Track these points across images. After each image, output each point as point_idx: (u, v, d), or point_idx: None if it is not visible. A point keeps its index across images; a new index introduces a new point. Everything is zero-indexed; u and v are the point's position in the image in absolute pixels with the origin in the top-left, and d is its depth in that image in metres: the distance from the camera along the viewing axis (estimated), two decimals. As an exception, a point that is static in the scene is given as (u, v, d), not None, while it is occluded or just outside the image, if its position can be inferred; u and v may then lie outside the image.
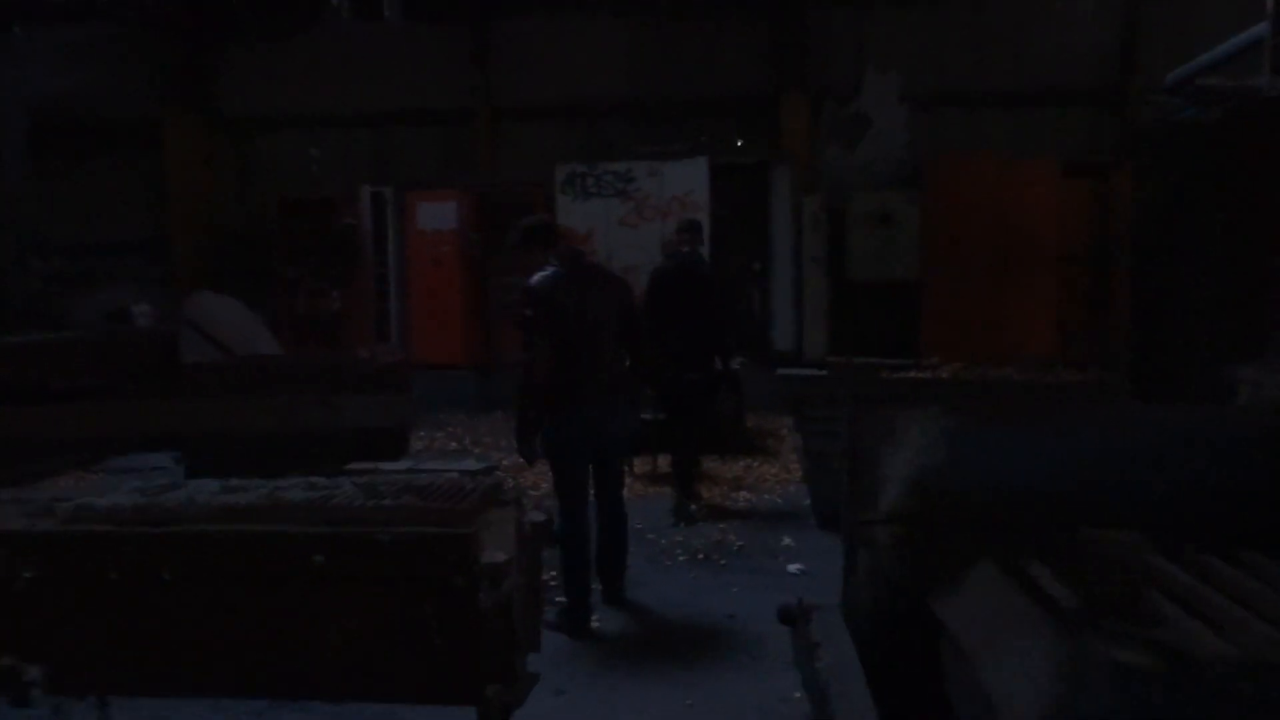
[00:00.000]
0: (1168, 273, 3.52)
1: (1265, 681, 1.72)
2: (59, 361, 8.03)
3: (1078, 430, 2.74)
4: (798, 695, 3.36)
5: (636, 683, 3.71)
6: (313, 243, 11.10)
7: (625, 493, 4.73)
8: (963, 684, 2.36)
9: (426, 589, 1.88)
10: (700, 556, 5.24)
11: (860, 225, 10.31)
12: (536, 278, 4.34)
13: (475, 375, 10.67)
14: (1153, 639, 1.83)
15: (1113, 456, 2.66)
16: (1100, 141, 11.48)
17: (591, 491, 4.50)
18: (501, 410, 10.01)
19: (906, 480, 2.76)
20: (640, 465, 7.11)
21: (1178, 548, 2.39)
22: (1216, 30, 7.56)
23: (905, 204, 10.16)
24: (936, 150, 11.16)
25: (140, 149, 12.62)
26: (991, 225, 9.76)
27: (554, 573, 4.37)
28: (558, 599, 4.34)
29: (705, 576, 4.95)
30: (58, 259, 12.37)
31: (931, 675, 2.65)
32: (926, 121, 11.26)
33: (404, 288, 10.89)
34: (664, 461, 7.09)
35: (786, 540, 5.48)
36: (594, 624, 4.33)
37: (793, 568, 5.02)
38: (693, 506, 6.18)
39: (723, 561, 5.17)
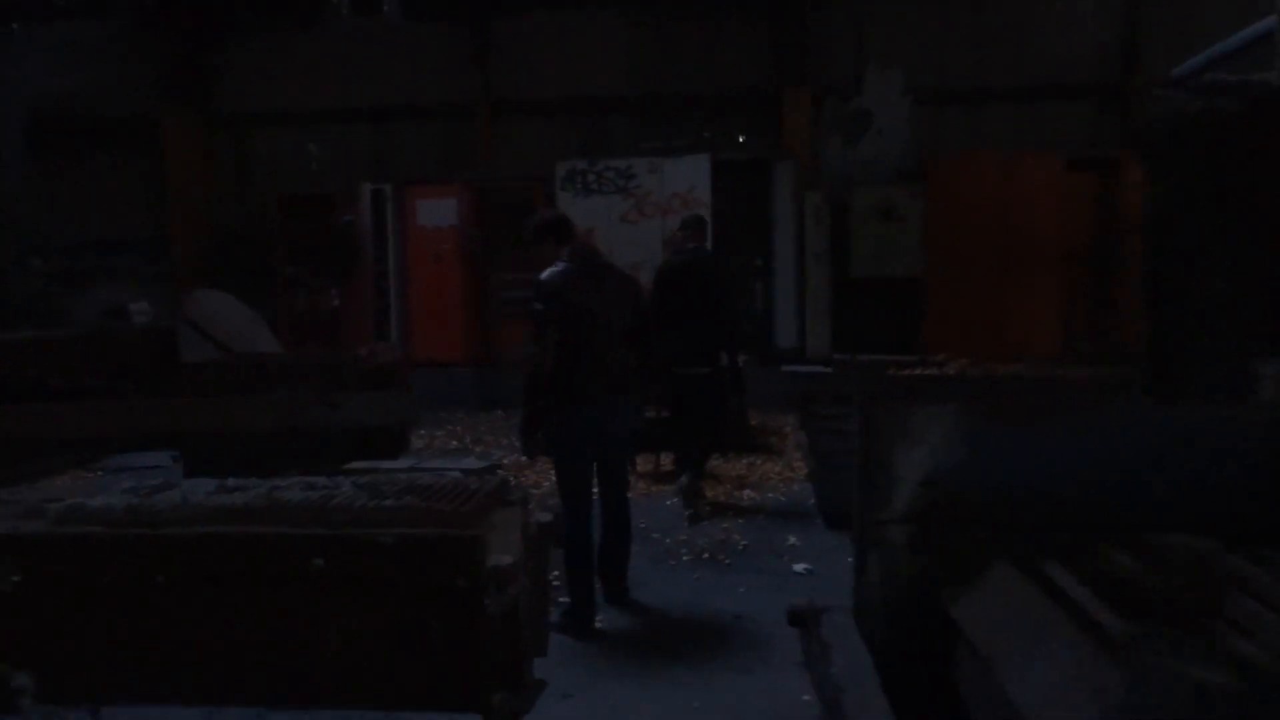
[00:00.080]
0: (1184, 267, 3.46)
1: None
2: (55, 359, 7.96)
3: (1097, 429, 2.68)
4: (807, 698, 3.30)
5: (643, 685, 3.65)
6: (312, 240, 11.05)
7: (628, 493, 4.67)
8: (981, 690, 2.29)
9: (430, 593, 1.81)
10: (705, 556, 5.18)
11: (862, 222, 10.28)
12: (548, 272, 4.31)
13: (475, 373, 10.62)
14: (1229, 654, 1.66)
15: (1134, 455, 2.59)
16: (1102, 137, 11.42)
17: (596, 491, 4.45)
18: (502, 408, 9.96)
19: (921, 479, 2.70)
20: (643, 464, 7.05)
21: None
22: (1218, 26, 7.51)
23: (908, 200, 10.13)
24: (938, 146, 11.13)
25: (139, 147, 12.56)
26: (994, 221, 9.73)
27: (556, 573, 4.30)
28: (560, 599, 4.28)
29: (710, 576, 4.89)
30: (57, 257, 12.34)
31: (946, 679, 2.59)
32: (928, 118, 11.22)
33: (404, 285, 10.83)
34: (667, 460, 7.04)
35: (792, 539, 5.42)
36: (597, 624, 4.27)
37: (799, 567, 4.96)
38: (706, 506, 6.14)
39: (728, 561, 5.11)
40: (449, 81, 12.18)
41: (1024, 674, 2.09)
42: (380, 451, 5.65)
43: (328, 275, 11.03)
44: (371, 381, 6.36)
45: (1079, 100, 11.73)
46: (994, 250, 9.71)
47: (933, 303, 9.78)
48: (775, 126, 11.68)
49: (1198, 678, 1.55)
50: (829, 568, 4.91)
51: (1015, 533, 2.60)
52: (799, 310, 10.44)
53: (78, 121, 12.66)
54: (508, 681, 1.85)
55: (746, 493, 6.62)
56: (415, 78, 12.26)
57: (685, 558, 5.17)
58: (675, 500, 6.34)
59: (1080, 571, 2.36)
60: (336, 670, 1.83)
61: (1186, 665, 1.60)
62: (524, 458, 7.51)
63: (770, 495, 6.57)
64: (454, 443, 8.58)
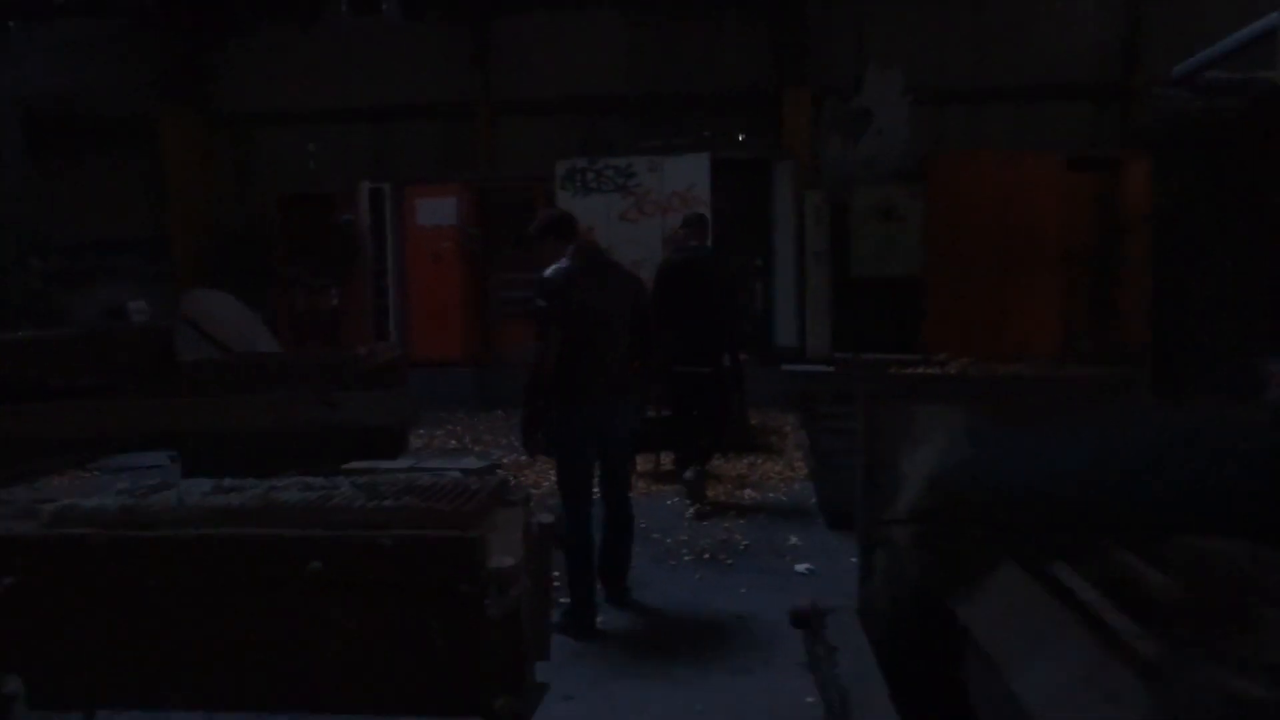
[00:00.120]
0: (1190, 265, 3.43)
1: None
2: (53, 359, 7.94)
3: (1103, 428, 2.65)
4: (810, 699, 3.27)
5: (645, 687, 3.62)
6: (311, 240, 11.01)
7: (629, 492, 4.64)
8: (989, 692, 2.26)
9: (430, 596, 1.77)
10: (706, 556, 5.15)
11: (862, 221, 10.26)
12: (551, 269, 4.30)
13: (475, 372, 10.58)
14: (1263, 662, 1.61)
15: (1140, 455, 2.56)
16: (1103, 137, 11.40)
17: (597, 491, 4.42)
18: (501, 408, 9.93)
19: (926, 479, 2.67)
20: (643, 464, 7.02)
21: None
22: (1219, 25, 7.49)
23: (908, 200, 10.11)
24: (939, 146, 11.11)
25: (138, 146, 12.53)
26: (994, 221, 9.70)
27: (556, 573, 4.27)
28: (561, 600, 4.24)
29: (711, 576, 4.86)
30: (56, 257, 12.30)
31: (953, 680, 2.56)
32: (929, 117, 11.21)
33: (403, 284, 10.80)
34: (667, 460, 7.01)
35: (793, 539, 5.40)
36: (598, 624, 4.25)
37: (800, 567, 4.93)
38: (707, 505, 6.14)
39: (729, 561, 5.08)
40: (448, 81, 12.14)
41: (1033, 676, 2.06)
42: (379, 451, 5.62)
43: (327, 275, 10.99)
44: (371, 381, 6.33)
45: (1079, 100, 11.71)
46: (994, 250, 9.69)
47: (933, 302, 9.76)
48: (775, 126, 11.65)
49: (1232, 688, 1.50)
50: (831, 568, 4.89)
51: (1020, 533, 2.57)
52: (799, 310, 10.41)
53: (77, 121, 12.63)
54: (509, 685, 1.82)
55: (747, 492, 6.59)
56: (415, 77, 12.23)
57: (686, 558, 5.14)
58: (676, 500, 6.32)
59: (1088, 573, 2.34)
60: (335, 674, 1.80)
61: (1219, 674, 1.56)
62: (523, 457, 7.53)
63: (771, 495, 6.54)
64: (453, 443, 8.54)
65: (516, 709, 1.84)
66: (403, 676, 1.81)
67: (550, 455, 4.43)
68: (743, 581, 4.76)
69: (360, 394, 6.06)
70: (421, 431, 8.66)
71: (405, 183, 10.86)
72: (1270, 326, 3.13)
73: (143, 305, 9.82)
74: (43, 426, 6.65)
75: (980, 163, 10.03)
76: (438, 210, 10.66)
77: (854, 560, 4.90)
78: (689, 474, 6.31)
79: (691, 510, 6.06)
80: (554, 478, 4.53)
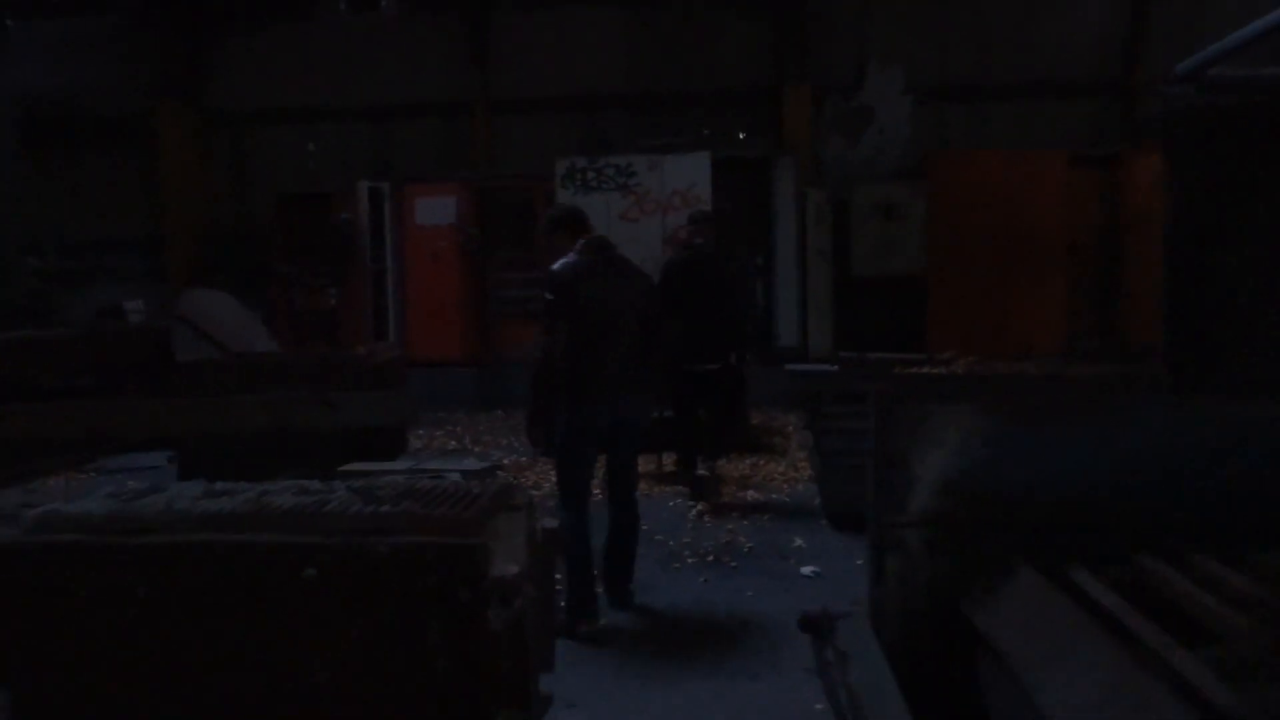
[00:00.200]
0: (1210, 261, 3.36)
1: None
2: (50, 359, 7.86)
3: (1124, 428, 2.58)
4: (819, 706, 3.20)
5: (650, 693, 3.55)
6: (309, 239, 10.95)
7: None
8: (1008, 702, 2.20)
9: (430, 606, 1.70)
10: (710, 559, 5.08)
11: (864, 219, 10.20)
12: (560, 264, 4.28)
13: (474, 372, 10.52)
14: None
15: (1163, 455, 2.49)
16: (1106, 133, 11.33)
17: (598, 492, 4.36)
18: (501, 408, 9.86)
19: (940, 480, 2.60)
20: (644, 464, 6.95)
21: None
22: (1221, 21, 7.42)
23: (909, 198, 10.06)
24: (940, 143, 11.05)
25: (135, 145, 12.45)
26: (996, 219, 9.66)
27: (558, 576, 4.20)
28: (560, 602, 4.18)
29: (716, 579, 4.79)
30: (53, 256, 12.22)
31: (969, 689, 2.49)
32: (930, 114, 11.15)
33: (402, 284, 10.73)
34: (668, 460, 6.95)
35: (798, 541, 5.33)
36: (600, 623, 4.20)
37: (806, 570, 4.86)
38: (719, 499, 6.15)
39: (733, 564, 5.01)
40: (447, 79, 12.07)
41: (1057, 687, 1.99)
42: (378, 452, 5.55)
43: (325, 274, 10.93)
44: (370, 381, 6.27)
45: (1081, 97, 11.65)
46: (996, 248, 9.64)
47: (935, 301, 9.70)
48: (776, 124, 11.59)
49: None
50: (836, 570, 4.82)
51: (1037, 537, 2.50)
52: (800, 309, 10.34)
53: (73, 119, 12.55)
54: (513, 698, 1.75)
55: (750, 493, 6.53)
56: (413, 75, 12.16)
57: (690, 560, 5.07)
58: (679, 501, 6.26)
59: (1110, 579, 2.26)
60: (330, 687, 1.73)
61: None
62: (524, 457, 7.48)
63: (774, 496, 6.48)
64: (453, 443, 8.48)
65: (520, 722, 1.77)
66: (401, 690, 1.73)
67: (551, 455, 4.38)
68: (748, 584, 4.69)
69: (359, 394, 5.99)
70: (421, 432, 8.59)
71: (404, 182, 10.80)
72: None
73: (139, 305, 9.75)
74: (39, 427, 6.58)
75: (982, 160, 9.98)
76: (437, 209, 10.60)
77: (859, 562, 4.85)
78: (701, 471, 6.35)
79: (696, 510, 6.01)
80: (554, 478, 4.47)
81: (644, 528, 4.67)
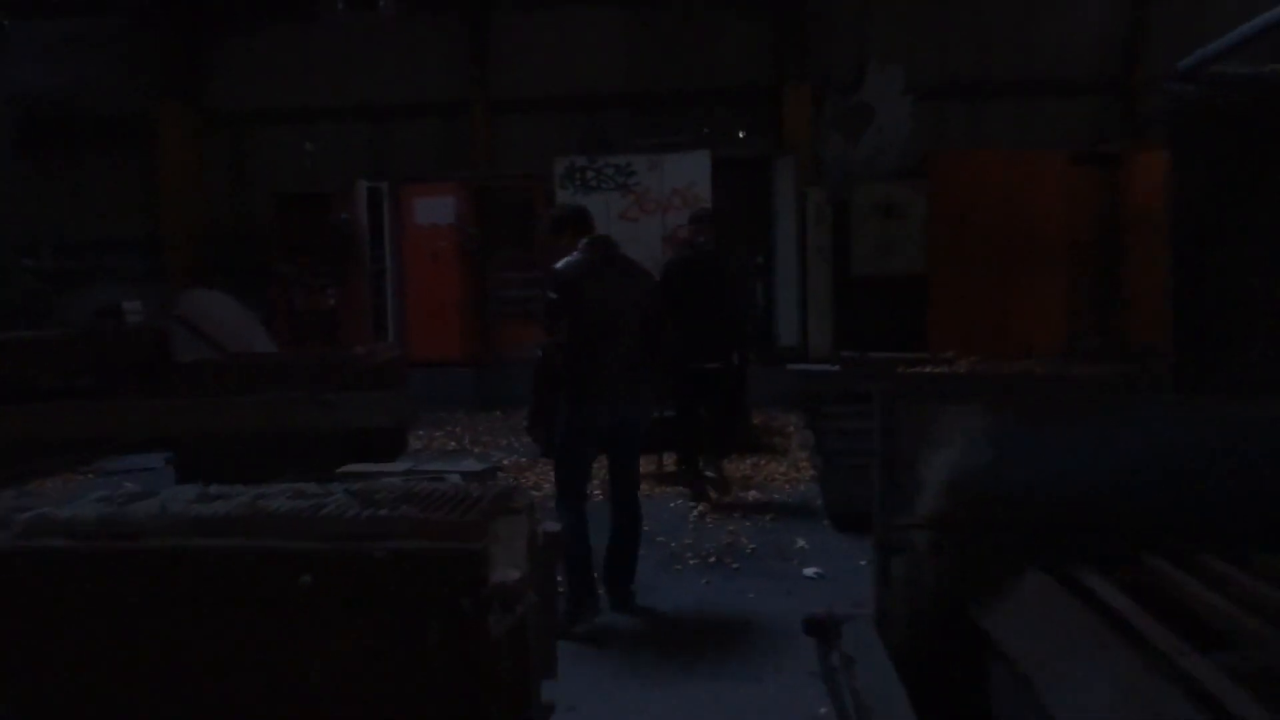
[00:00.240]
0: (1215, 258, 3.33)
1: None
2: (47, 360, 7.83)
3: (1130, 427, 2.54)
4: (823, 710, 3.17)
5: (652, 697, 3.51)
6: (308, 239, 10.90)
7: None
8: (1019, 708, 2.16)
9: (429, 612, 1.65)
10: (712, 560, 5.04)
11: (864, 219, 10.16)
12: (563, 262, 4.28)
13: (474, 372, 10.48)
14: None
15: (1174, 455, 2.45)
16: (1106, 132, 11.31)
17: (599, 493, 4.34)
18: (500, 408, 9.82)
19: (946, 482, 2.56)
20: (644, 464, 6.92)
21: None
22: (1221, 19, 7.38)
23: (909, 197, 10.03)
24: (940, 142, 11.02)
25: (134, 145, 12.41)
26: (996, 218, 9.63)
27: (559, 579, 4.17)
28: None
29: (718, 581, 4.75)
30: (51, 255, 12.19)
31: (977, 694, 2.45)
32: (930, 113, 11.11)
33: (401, 284, 10.69)
34: (669, 460, 6.91)
35: (800, 542, 5.29)
36: (596, 620, 4.18)
37: (809, 571, 4.83)
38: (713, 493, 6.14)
39: (735, 565, 4.97)
40: (446, 78, 12.04)
41: (1068, 691, 1.95)
42: (378, 453, 5.51)
43: (324, 274, 10.89)
44: (369, 381, 6.23)
45: (1081, 95, 11.62)
46: (996, 247, 9.61)
47: (935, 300, 9.67)
48: (776, 123, 11.56)
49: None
50: (839, 571, 4.79)
51: (1044, 538, 2.47)
52: (800, 308, 10.31)
53: (72, 119, 12.52)
54: (515, 707, 1.71)
55: (751, 493, 6.50)
56: (412, 75, 12.12)
57: (692, 562, 5.04)
58: (680, 502, 6.23)
59: (1120, 581, 2.23)
60: (326, 696, 1.68)
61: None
62: (523, 458, 7.44)
63: (775, 496, 6.45)
64: (452, 444, 8.44)
65: (522, 731, 1.73)
66: (400, 699, 1.69)
67: (550, 456, 4.37)
68: (750, 586, 4.65)
69: (358, 395, 5.95)
70: (420, 432, 8.55)
71: (403, 181, 10.76)
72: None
73: (137, 305, 9.70)
74: (36, 428, 6.54)
75: (982, 160, 9.95)
76: (436, 209, 10.56)
77: (863, 563, 4.82)
78: (708, 472, 6.36)
79: (698, 511, 5.98)
80: (554, 477, 4.45)
81: (645, 529, 4.64)
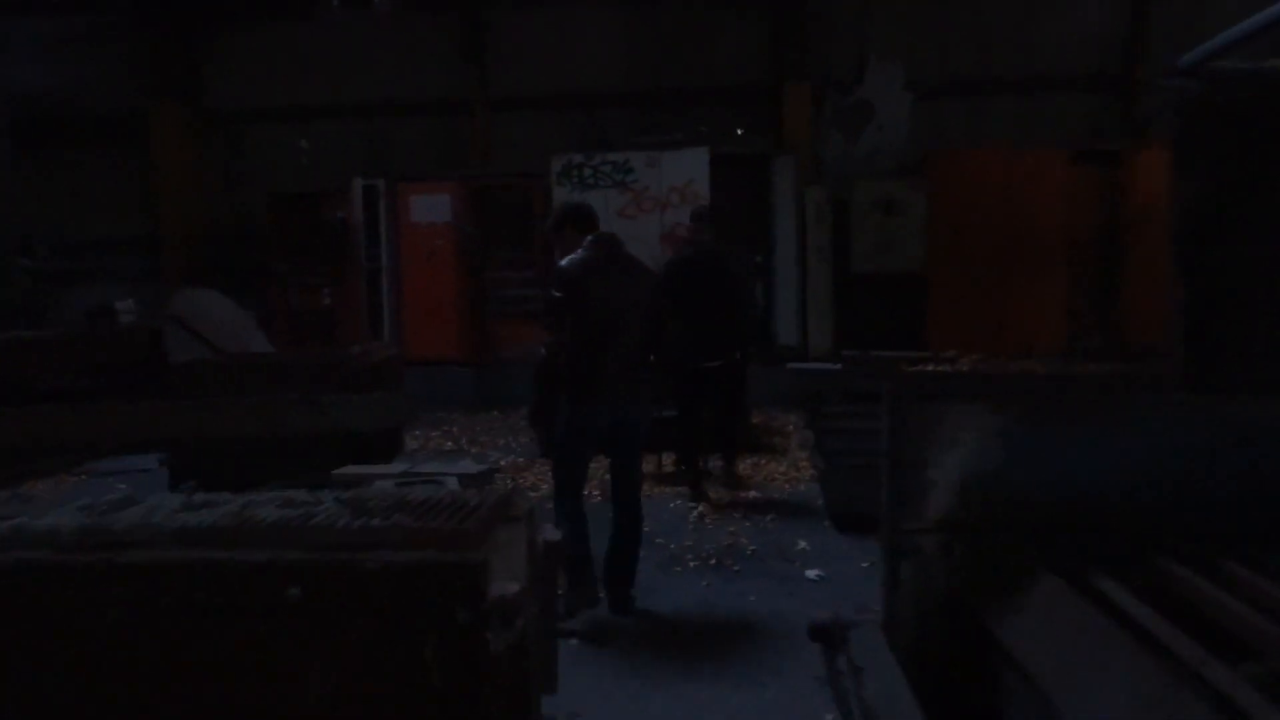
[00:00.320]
0: (1221, 256, 3.28)
1: None
2: (40, 360, 7.77)
3: (1147, 427, 2.48)
4: (829, 717, 3.11)
5: (652, 702, 3.45)
6: (304, 237, 10.82)
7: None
8: (1032, 716, 2.10)
9: (425, 627, 1.58)
10: (712, 562, 4.98)
11: (863, 217, 10.10)
12: (567, 260, 4.25)
13: (471, 372, 10.41)
14: None
15: (1187, 455, 2.39)
16: (1106, 130, 11.25)
17: (598, 494, 4.29)
18: (498, 407, 9.75)
19: (956, 483, 2.50)
20: (644, 464, 6.86)
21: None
22: (1222, 16, 7.32)
23: (909, 194, 9.97)
24: (940, 140, 10.95)
25: (128, 143, 12.31)
26: (997, 216, 9.58)
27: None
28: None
29: (719, 583, 4.69)
30: (45, 255, 12.13)
31: (987, 701, 2.39)
32: (929, 111, 11.04)
33: (398, 283, 10.61)
34: (668, 461, 6.85)
35: (801, 544, 5.23)
36: (595, 614, 4.16)
37: (811, 573, 4.76)
38: (702, 505, 6.06)
39: (736, 567, 4.91)
40: (443, 75, 11.96)
41: (1084, 702, 1.89)
42: (374, 453, 5.45)
43: (320, 273, 10.81)
44: (366, 381, 6.16)
45: (1081, 92, 11.55)
46: (996, 245, 9.56)
47: (935, 298, 9.62)
48: (775, 121, 11.48)
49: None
50: (841, 573, 4.73)
51: (1058, 541, 2.41)
52: (800, 307, 10.24)
53: (64, 118, 12.42)
54: (513, 723, 1.65)
55: (751, 494, 6.43)
56: (408, 72, 12.04)
57: (692, 563, 4.97)
58: (680, 503, 6.17)
59: (1136, 586, 2.17)
60: (317, 715, 1.62)
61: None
62: (521, 458, 7.38)
63: (776, 496, 6.38)
64: (449, 444, 8.37)
65: (521, 747, 1.66)
66: (394, 716, 1.62)
67: (549, 455, 4.34)
68: (751, 588, 4.59)
69: (353, 397, 5.88)
70: (417, 432, 8.48)
71: (399, 179, 10.67)
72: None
73: (131, 305, 9.62)
74: (28, 430, 6.48)
75: (982, 158, 9.89)
76: (432, 207, 10.48)
77: (865, 565, 4.76)
78: (717, 471, 6.41)
79: (698, 511, 5.92)
80: (552, 480, 4.40)
81: (644, 530, 4.58)
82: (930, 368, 5.42)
